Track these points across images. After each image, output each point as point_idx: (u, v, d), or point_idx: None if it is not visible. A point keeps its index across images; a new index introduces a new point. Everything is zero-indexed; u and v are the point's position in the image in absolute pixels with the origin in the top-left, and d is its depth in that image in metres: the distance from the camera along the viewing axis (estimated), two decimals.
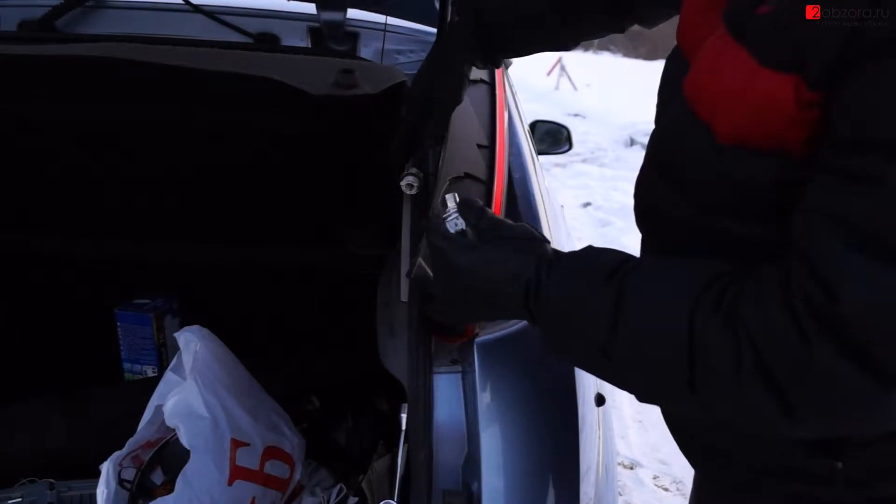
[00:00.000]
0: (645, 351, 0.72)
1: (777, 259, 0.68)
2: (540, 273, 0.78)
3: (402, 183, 1.02)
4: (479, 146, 1.23)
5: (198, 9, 1.75)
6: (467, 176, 1.15)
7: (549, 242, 0.83)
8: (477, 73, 1.32)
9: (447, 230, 0.85)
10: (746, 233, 0.76)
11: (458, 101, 1.06)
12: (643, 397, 0.80)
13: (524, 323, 1.05)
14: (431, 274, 0.87)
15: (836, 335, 0.61)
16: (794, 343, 0.63)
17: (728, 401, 0.70)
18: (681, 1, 0.85)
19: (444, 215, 0.87)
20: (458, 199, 0.87)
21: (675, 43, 0.89)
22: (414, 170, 1.03)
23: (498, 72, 1.62)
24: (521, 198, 1.32)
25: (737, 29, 0.71)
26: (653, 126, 0.94)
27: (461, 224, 0.86)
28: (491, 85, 1.38)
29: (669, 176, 0.84)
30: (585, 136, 8.25)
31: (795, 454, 0.84)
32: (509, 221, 0.86)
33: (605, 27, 1.09)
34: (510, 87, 1.74)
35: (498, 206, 1.21)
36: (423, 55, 1.81)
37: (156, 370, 1.82)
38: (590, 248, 0.80)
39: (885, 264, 0.59)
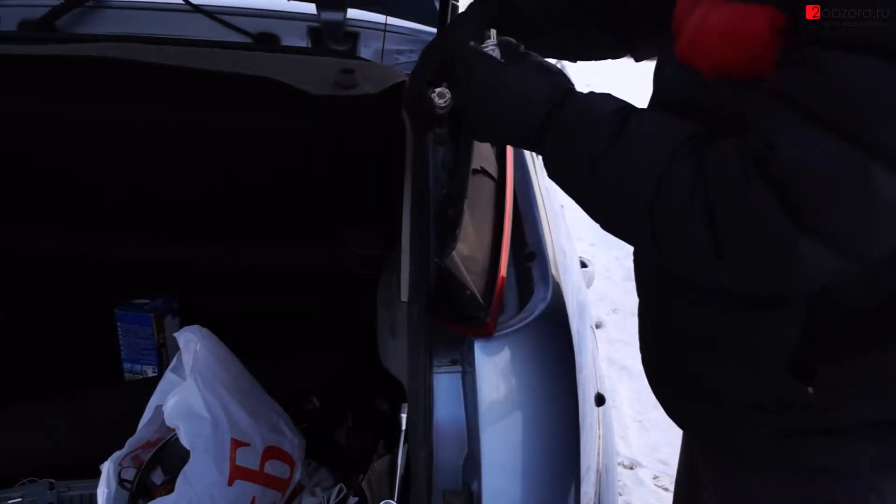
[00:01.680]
0: (628, 167, 0.86)
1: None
2: (565, 96, 0.93)
3: (435, 93, 1.01)
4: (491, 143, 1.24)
5: (198, 9, 1.75)
6: (482, 171, 1.15)
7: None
8: None
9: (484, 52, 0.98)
10: None
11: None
12: (606, 216, 0.92)
13: (524, 323, 1.06)
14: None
15: (769, 178, 0.76)
16: (736, 182, 0.78)
17: (674, 229, 0.83)
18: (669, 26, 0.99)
19: (483, 45, 0.99)
20: (497, 36, 1.00)
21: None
22: (441, 90, 1.02)
23: None
24: (521, 197, 1.32)
25: None
26: None
27: (497, 54, 0.98)
28: None
29: None
30: None
31: (770, 384, 0.94)
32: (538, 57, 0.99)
33: (606, 52, 1.24)
34: None
35: (509, 202, 1.22)
36: None
37: (156, 370, 1.82)
38: (602, 93, 0.94)
39: (815, 129, 0.74)
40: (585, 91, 0.95)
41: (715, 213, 0.79)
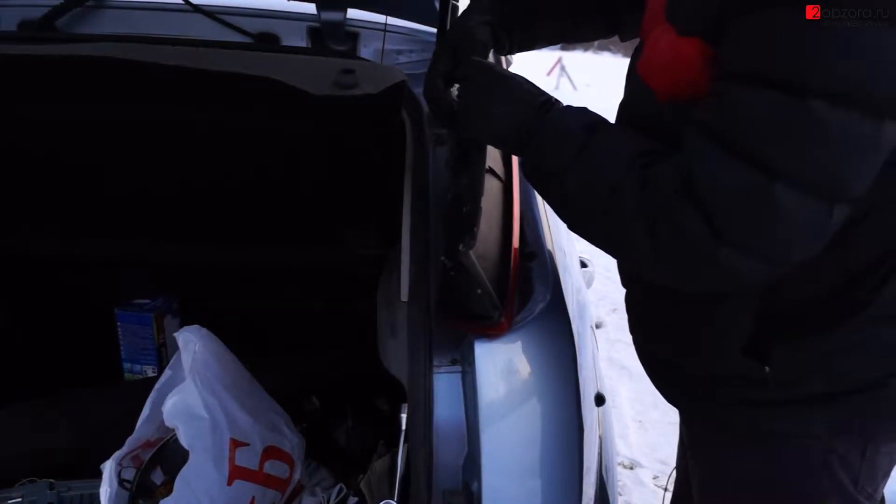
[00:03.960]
0: (588, 178, 0.95)
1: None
2: (552, 103, 1.01)
3: (453, 88, 1.08)
4: None
5: (198, 9, 1.75)
6: (490, 171, 1.15)
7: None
8: None
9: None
10: None
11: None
12: (571, 218, 1.02)
13: (524, 323, 1.06)
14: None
15: (692, 195, 0.85)
16: (668, 195, 0.87)
17: (622, 228, 0.92)
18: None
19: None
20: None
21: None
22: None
23: None
24: (521, 197, 1.32)
25: (670, 16, 0.95)
26: None
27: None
28: None
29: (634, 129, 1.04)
30: None
31: (730, 364, 1.04)
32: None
33: (600, 35, 1.33)
34: None
35: (516, 202, 1.22)
36: (424, 55, 1.82)
37: (156, 370, 1.82)
38: (580, 108, 1.02)
39: (725, 154, 0.83)
40: (566, 104, 1.02)
41: (653, 222, 0.89)
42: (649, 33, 1.00)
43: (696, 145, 0.86)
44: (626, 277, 1.22)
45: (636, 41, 1.33)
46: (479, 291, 1.01)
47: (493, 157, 1.23)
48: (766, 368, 1.02)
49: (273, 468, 1.34)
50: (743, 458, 1.12)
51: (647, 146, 0.95)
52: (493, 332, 1.02)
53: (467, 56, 1.12)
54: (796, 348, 1.01)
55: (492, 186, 1.19)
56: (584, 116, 0.99)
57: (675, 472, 1.50)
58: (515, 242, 1.15)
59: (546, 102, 1.01)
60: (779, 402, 1.05)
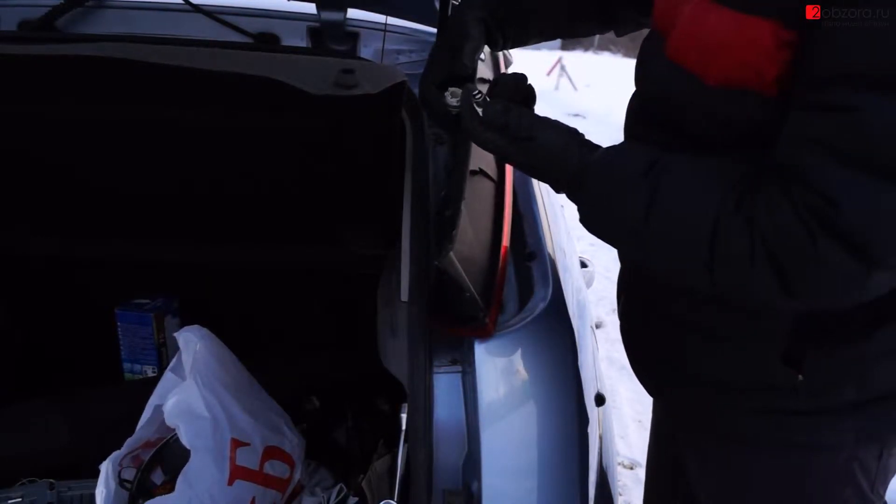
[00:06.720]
0: (673, 235, 0.86)
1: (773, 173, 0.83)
2: (580, 169, 0.91)
3: (448, 92, 1.03)
4: None
5: (198, 9, 1.75)
6: (481, 172, 1.15)
7: (582, 136, 0.95)
8: (482, 73, 1.33)
9: (478, 114, 0.95)
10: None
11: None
12: (662, 272, 0.96)
13: (524, 323, 1.06)
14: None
15: (837, 233, 0.77)
16: (802, 241, 0.78)
17: (736, 281, 0.85)
18: (651, 6, 1.00)
19: (478, 95, 0.96)
20: (505, 86, 0.99)
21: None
22: (454, 89, 1.03)
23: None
24: (521, 197, 1.32)
25: None
26: None
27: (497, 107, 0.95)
28: None
29: (661, 122, 0.98)
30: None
31: (762, 371, 1.00)
32: (544, 122, 0.95)
33: (595, 30, 1.29)
34: None
35: (508, 203, 1.22)
36: (424, 55, 1.82)
37: (156, 370, 1.82)
38: (624, 146, 0.94)
39: (870, 179, 0.75)
40: (603, 145, 0.93)
41: (781, 265, 0.81)
42: (671, 16, 0.93)
43: (828, 174, 0.77)
44: (642, 274, 1.14)
45: (635, 36, 1.33)
46: (466, 294, 1.01)
47: (485, 158, 1.23)
48: (800, 377, 0.98)
49: (273, 468, 1.34)
50: (762, 469, 1.08)
51: (727, 177, 0.85)
52: (478, 333, 1.02)
53: (463, 53, 1.08)
54: (830, 355, 0.98)
55: (482, 188, 1.19)
56: (633, 159, 0.90)
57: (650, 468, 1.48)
58: (505, 243, 1.15)
59: (578, 166, 0.92)
60: (807, 411, 1.01)
